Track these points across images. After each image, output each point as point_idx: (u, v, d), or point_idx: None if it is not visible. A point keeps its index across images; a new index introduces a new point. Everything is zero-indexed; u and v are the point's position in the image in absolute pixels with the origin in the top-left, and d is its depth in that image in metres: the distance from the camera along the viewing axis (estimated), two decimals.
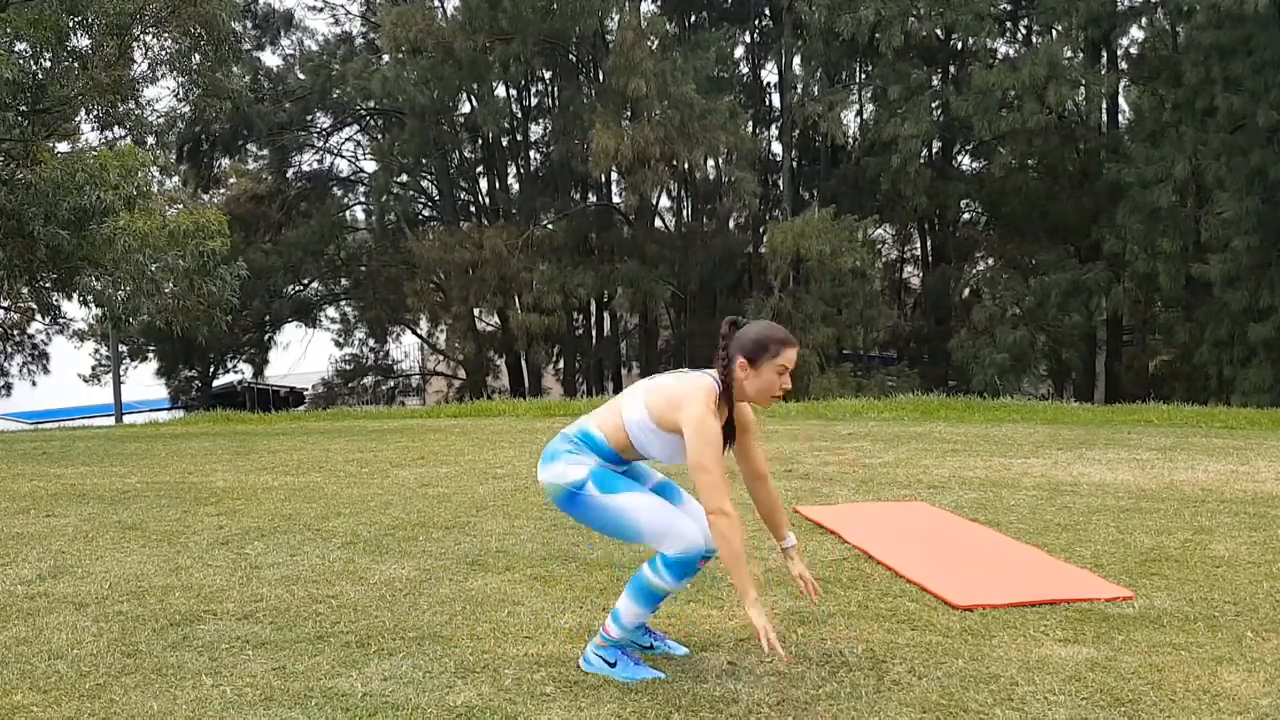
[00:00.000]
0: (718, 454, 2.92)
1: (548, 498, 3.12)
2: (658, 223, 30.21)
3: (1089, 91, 23.61)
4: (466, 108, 28.51)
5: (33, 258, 14.55)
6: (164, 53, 17.31)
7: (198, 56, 16.76)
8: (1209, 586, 3.98)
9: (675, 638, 3.41)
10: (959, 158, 28.78)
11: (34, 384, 27.48)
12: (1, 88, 13.30)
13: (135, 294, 14.94)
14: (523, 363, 28.67)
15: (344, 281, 32.21)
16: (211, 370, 31.87)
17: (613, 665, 3.07)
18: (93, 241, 14.26)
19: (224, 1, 15.83)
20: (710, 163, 27.84)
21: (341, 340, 32.99)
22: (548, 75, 29.14)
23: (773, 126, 29.80)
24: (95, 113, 16.48)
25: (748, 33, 29.78)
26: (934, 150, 27.11)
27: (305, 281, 31.21)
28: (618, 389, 30.05)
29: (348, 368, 32.45)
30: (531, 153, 30.77)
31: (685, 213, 31.20)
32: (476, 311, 28.42)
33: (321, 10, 40.92)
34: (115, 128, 17.14)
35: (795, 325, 23.75)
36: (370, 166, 30.72)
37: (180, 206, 18.53)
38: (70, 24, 15.06)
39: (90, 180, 13.83)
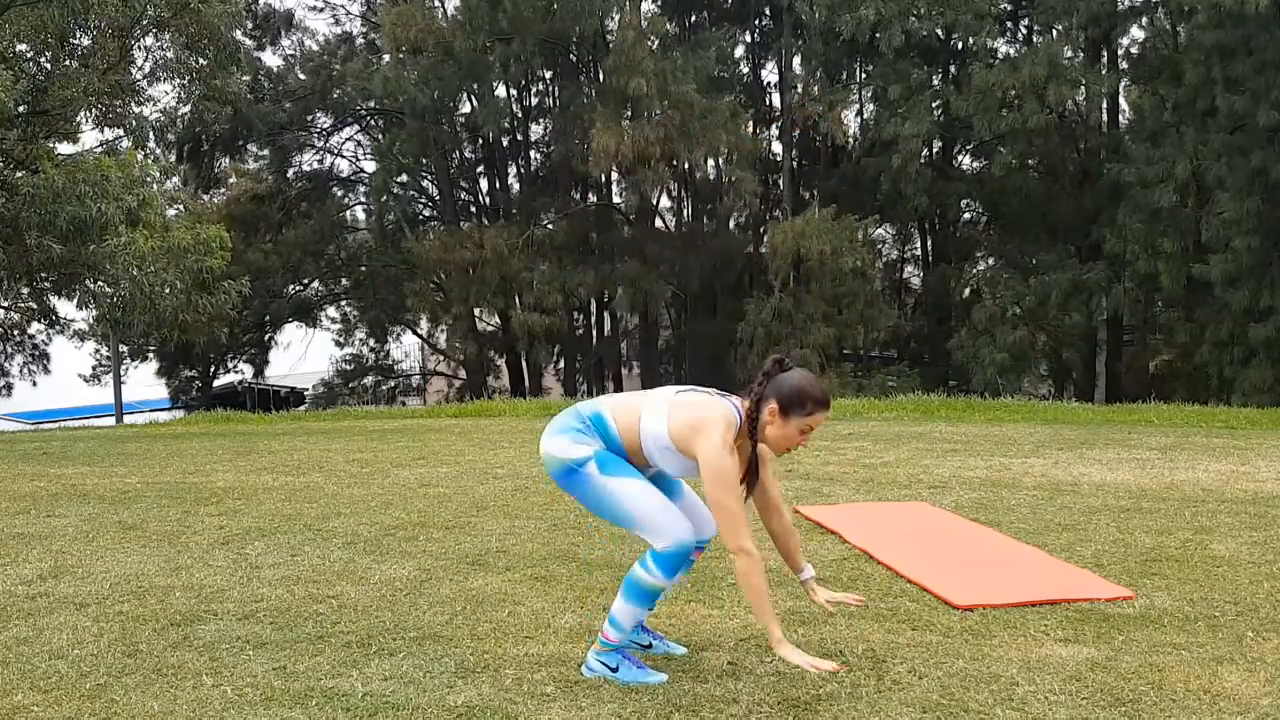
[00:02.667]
0: (734, 490, 2.89)
1: (548, 470, 3.10)
2: (658, 223, 30.20)
3: (1089, 91, 23.60)
4: (467, 108, 28.51)
5: (30, 262, 14.54)
6: (164, 56, 17.34)
7: (200, 60, 16.78)
8: (1209, 586, 3.98)
9: (675, 638, 3.41)
10: (959, 157, 28.78)
11: (34, 384, 27.47)
12: (2, 109, 13.28)
13: (132, 309, 14.92)
14: (523, 363, 28.66)
15: (344, 281, 32.20)
16: (212, 370, 31.86)
17: (615, 670, 3.06)
18: (94, 254, 14.22)
19: (224, 10, 15.85)
20: (710, 163, 27.84)
21: (342, 340, 32.97)
22: (548, 75, 29.15)
23: (773, 126, 29.79)
24: (95, 114, 16.49)
25: (748, 32, 29.78)
26: (934, 150, 27.11)
27: (305, 281, 31.19)
28: (618, 389, 30.05)
29: (348, 368, 32.43)
30: (532, 153, 30.78)
31: (685, 213, 31.20)
32: (477, 311, 28.41)
33: (322, 10, 41.01)
34: (115, 128, 17.15)
35: (795, 325, 23.76)
36: (370, 166, 30.73)
37: (180, 207, 18.56)
38: (71, 25, 15.07)
39: (92, 192, 13.77)
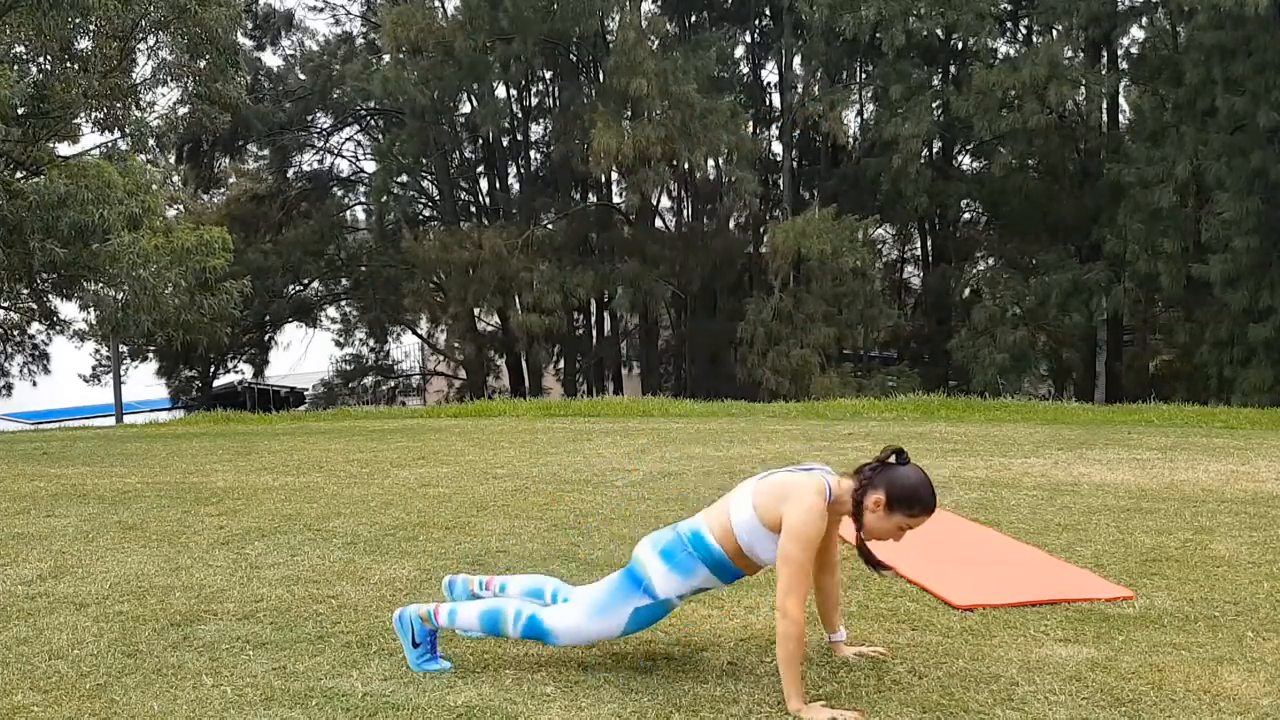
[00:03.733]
0: (809, 550, 2.87)
1: (636, 560, 3.11)
2: (658, 223, 30.21)
3: (1089, 91, 23.61)
4: (466, 108, 28.52)
5: (31, 264, 14.57)
6: (165, 59, 17.36)
7: (201, 62, 16.80)
8: (1209, 586, 3.97)
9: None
10: (959, 158, 28.78)
11: (34, 384, 27.45)
12: (3, 107, 13.32)
13: (135, 309, 14.97)
14: (523, 363, 28.67)
15: (344, 282, 32.21)
16: (212, 370, 31.87)
17: (416, 646, 3.15)
18: (95, 256, 14.26)
19: (223, 13, 15.87)
20: (711, 162, 27.84)
21: (342, 340, 32.99)
22: (548, 75, 29.16)
23: (773, 126, 29.80)
24: (96, 116, 16.51)
25: (748, 33, 29.78)
26: (934, 150, 27.11)
27: (305, 281, 31.21)
28: (618, 389, 30.06)
29: (348, 368, 32.45)
30: (531, 153, 30.78)
31: (686, 213, 31.21)
32: (476, 312, 28.41)
33: (322, 10, 40.98)
34: (115, 130, 17.17)
35: (796, 325, 23.76)
36: (370, 166, 30.75)
37: (181, 208, 18.58)
38: (72, 27, 15.09)
39: (96, 199, 13.81)
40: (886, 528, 2.95)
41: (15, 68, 14.03)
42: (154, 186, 16.68)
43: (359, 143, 32.74)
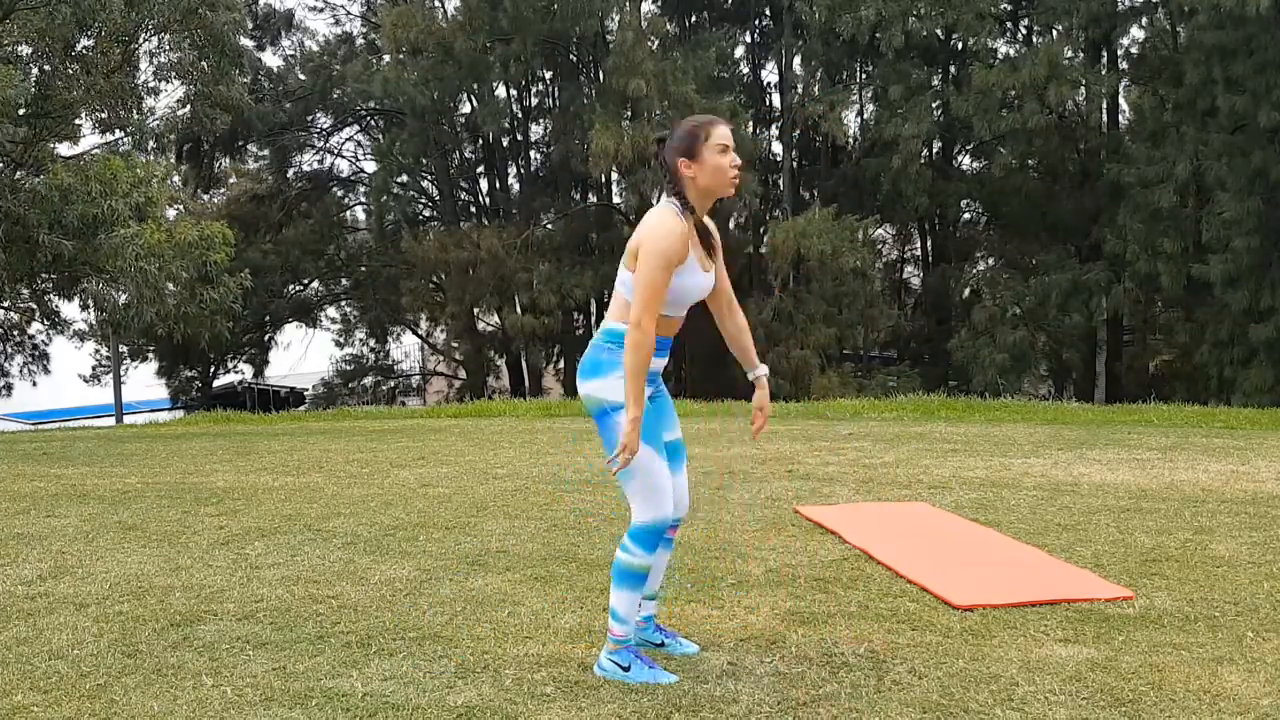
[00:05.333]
0: (662, 263, 2.88)
1: (586, 408, 3.10)
2: None
3: (1089, 91, 23.60)
4: (466, 108, 28.51)
5: (34, 262, 14.60)
6: (168, 60, 17.38)
7: (204, 64, 16.82)
8: (1209, 586, 3.97)
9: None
10: (959, 158, 28.77)
11: (34, 384, 27.47)
12: (3, 106, 13.35)
13: (139, 301, 15.01)
14: (523, 363, 28.67)
15: (344, 281, 32.21)
16: (212, 370, 31.88)
17: (626, 670, 3.06)
18: (98, 250, 14.31)
19: (229, 15, 15.89)
20: None
21: (342, 340, 32.98)
22: (548, 75, 29.14)
23: (773, 126, 29.79)
24: (97, 117, 16.52)
25: (748, 33, 29.77)
26: (934, 150, 27.10)
27: (305, 281, 31.21)
28: None
29: (348, 368, 32.44)
30: (531, 153, 30.77)
31: None
32: (476, 312, 28.41)
33: (322, 10, 41.03)
34: (116, 131, 17.18)
35: (796, 325, 23.74)
36: (370, 166, 30.73)
37: (181, 208, 18.61)
38: (74, 30, 15.12)
39: (104, 191, 13.88)
40: (712, 166, 2.96)
41: (16, 68, 14.04)
42: (155, 180, 16.70)
43: (359, 143, 32.75)
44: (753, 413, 3.26)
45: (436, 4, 26.83)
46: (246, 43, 26.41)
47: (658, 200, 3.06)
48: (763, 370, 3.27)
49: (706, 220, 3.11)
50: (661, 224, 2.92)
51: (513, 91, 28.80)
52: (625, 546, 3.04)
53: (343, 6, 33.67)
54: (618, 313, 3.02)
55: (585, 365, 3.06)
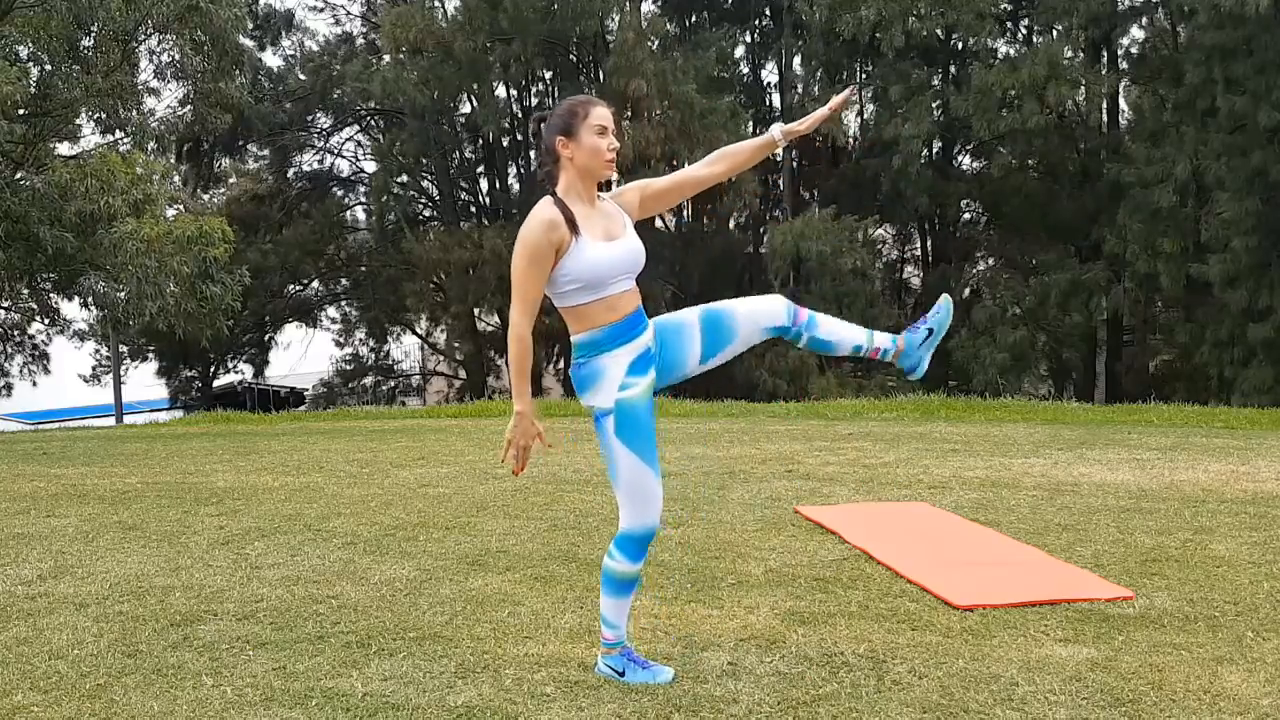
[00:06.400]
0: (529, 256, 2.87)
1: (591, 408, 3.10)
2: (658, 223, 30.18)
3: (1089, 91, 23.58)
4: (467, 108, 28.51)
5: (35, 260, 14.61)
6: (168, 59, 17.39)
7: (200, 60, 16.82)
8: (1209, 586, 3.97)
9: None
10: (959, 158, 28.76)
11: (34, 384, 27.46)
12: (3, 101, 13.36)
13: (139, 296, 15.01)
14: None
15: (344, 282, 32.21)
16: (212, 370, 31.87)
17: (621, 674, 3.07)
18: (98, 246, 14.34)
19: (230, 14, 15.88)
20: None
21: (342, 340, 32.98)
22: (548, 75, 29.14)
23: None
24: (97, 116, 16.52)
25: (748, 33, 29.77)
26: (934, 150, 27.10)
27: (305, 281, 31.20)
28: None
29: (348, 368, 32.43)
30: (532, 153, 30.75)
31: (685, 213, 31.18)
32: (476, 311, 28.41)
33: (322, 10, 40.94)
34: (117, 131, 17.18)
35: None
36: (370, 166, 30.72)
37: (180, 207, 18.61)
38: (74, 29, 15.13)
39: (101, 187, 13.91)
40: (589, 147, 2.92)
41: (15, 66, 14.05)
42: (156, 176, 16.69)
43: (359, 143, 32.74)
44: (813, 122, 3.18)
45: (436, 4, 26.83)
46: (247, 43, 26.42)
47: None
48: (777, 127, 3.18)
49: (602, 201, 3.04)
50: (528, 220, 2.91)
51: (513, 91, 28.81)
52: (611, 553, 3.04)
53: (343, 6, 33.63)
54: (567, 321, 3.04)
55: (575, 382, 3.09)
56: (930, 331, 3.22)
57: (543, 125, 3.01)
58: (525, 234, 2.89)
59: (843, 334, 3.17)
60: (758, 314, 3.09)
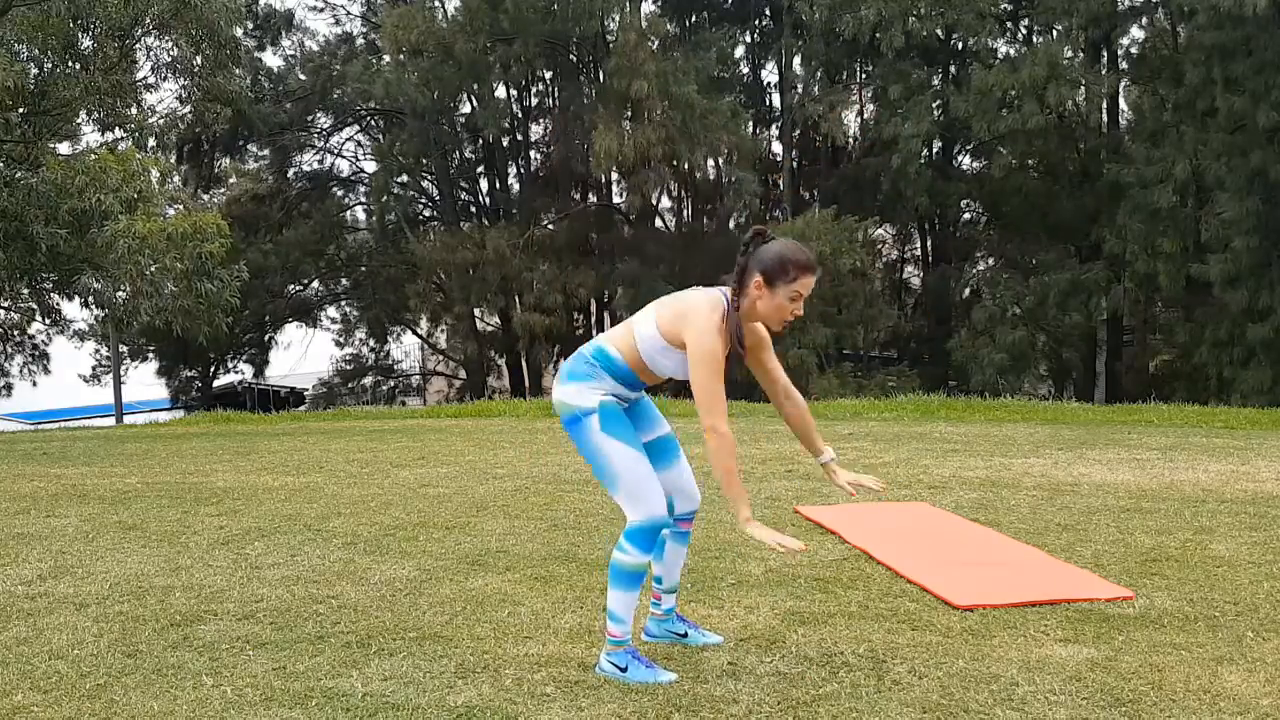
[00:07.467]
0: (715, 370, 2.91)
1: (558, 415, 3.14)
2: (658, 223, 30.20)
3: (1089, 92, 23.59)
4: (467, 108, 28.51)
5: (33, 260, 14.61)
6: (166, 56, 17.37)
7: (199, 59, 16.81)
8: (1209, 586, 3.97)
9: (676, 636, 3.41)
10: (959, 157, 28.76)
11: (34, 384, 27.48)
12: (2, 94, 13.37)
13: (135, 295, 15.00)
14: (523, 363, 28.67)
15: (344, 282, 32.21)
16: (212, 370, 31.87)
17: (624, 670, 3.07)
18: (93, 244, 14.33)
19: (224, 6, 15.87)
20: (711, 163, 27.83)
21: (342, 340, 32.99)
22: (548, 76, 29.14)
23: (773, 126, 29.79)
24: (96, 115, 16.51)
25: (748, 33, 29.77)
26: (934, 150, 27.10)
27: (305, 281, 31.20)
28: None
29: (348, 368, 32.44)
30: (531, 153, 30.77)
31: (686, 213, 31.19)
32: (477, 312, 28.41)
33: (322, 11, 40.95)
34: (116, 130, 17.17)
35: (795, 325, 23.70)
36: (371, 167, 30.71)
37: (180, 207, 18.58)
38: (72, 27, 15.12)
39: (91, 184, 13.91)
40: (778, 304, 2.98)
41: (16, 64, 14.05)
42: (153, 171, 16.65)
43: (359, 143, 32.73)
44: (848, 490, 3.25)
45: (437, 5, 26.83)
46: (248, 42, 26.42)
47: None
48: (829, 454, 3.27)
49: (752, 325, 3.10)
50: (706, 326, 2.93)
51: (513, 92, 28.81)
52: (621, 546, 3.05)
53: (343, 6, 33.64)
54: (617, 339, 3.09)
55: (565, 372, 3.11)
56: (682, 635, 3.35)
57: (754, 243, 3.01)
58: (707, 345, 2.91)
59: (673, 569, 3.32)
60: (681, 483, 3.24)
